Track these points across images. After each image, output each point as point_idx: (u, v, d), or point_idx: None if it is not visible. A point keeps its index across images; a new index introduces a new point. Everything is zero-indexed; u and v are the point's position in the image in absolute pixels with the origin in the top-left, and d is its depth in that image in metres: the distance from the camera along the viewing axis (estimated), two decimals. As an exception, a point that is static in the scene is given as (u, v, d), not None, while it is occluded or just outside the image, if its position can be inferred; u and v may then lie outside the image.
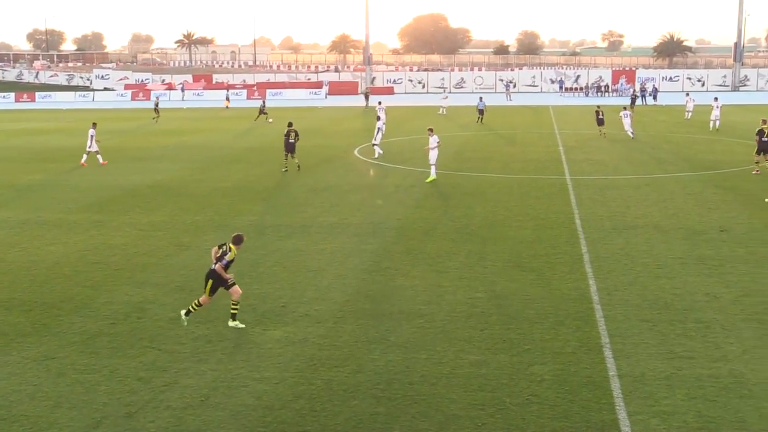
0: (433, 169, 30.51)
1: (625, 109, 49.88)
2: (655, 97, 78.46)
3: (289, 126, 34.82)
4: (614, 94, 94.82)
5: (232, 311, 14.73)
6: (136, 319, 15.20)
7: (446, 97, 70.72)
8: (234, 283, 14.47)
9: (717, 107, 50.56)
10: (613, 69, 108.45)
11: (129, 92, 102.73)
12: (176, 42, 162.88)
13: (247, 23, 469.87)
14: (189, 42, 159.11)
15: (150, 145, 44.17)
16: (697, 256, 19.12)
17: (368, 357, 13.12)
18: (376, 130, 38.23)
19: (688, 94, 63.02)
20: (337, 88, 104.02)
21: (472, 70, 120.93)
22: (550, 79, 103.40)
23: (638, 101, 74.34)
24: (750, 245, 20.08)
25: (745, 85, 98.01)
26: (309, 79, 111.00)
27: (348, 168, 35.29)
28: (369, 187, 29.92)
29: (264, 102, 65.66)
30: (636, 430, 10.55)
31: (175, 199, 27.85)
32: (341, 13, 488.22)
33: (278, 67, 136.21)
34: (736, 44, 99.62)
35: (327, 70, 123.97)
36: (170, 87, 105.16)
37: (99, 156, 37.68)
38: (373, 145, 38.35)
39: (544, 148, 41.68)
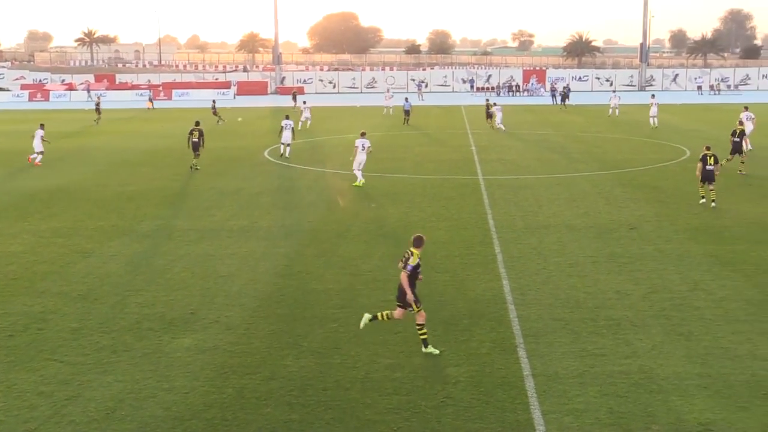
0: (359, 175, 30.03)
1: (495, 105, 53.22)
2: (567, 97, 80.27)
3: (196, 125, 34.72)
4: (525, 93, 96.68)
5: (422, 337, 13.32)
6: (36, 331, 14.73)
7: (391, 96, 70.82)
8: (420, 309, 13.14)
9: (654, 104, 52.43)
10: (524, 69, 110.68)
11: (26, 93, 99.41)
12: (76, 40, 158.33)
13: (151, 21, 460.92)
14: (90, 40, 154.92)
15: (51, 147, 42.84)
16: (607, 254, 19.66)
17: (281, 363, 13.04)
18: (288, 129, 37.89)
19: (615, 92, 65.18)
20: (245, 88, 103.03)
21: (383, 69, 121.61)
22: (462, 79, 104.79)
23: (550, 101, 76.13)
24: (657, 242, 20.75)
25: (651, 85, 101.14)
26: (217, 79, 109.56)
27: (257, 170, 35.00)
28: (280, 190, 29.72)
29: (215, 103, 64.56)
30: (550, 428, 10.78)
31: (77, 204, 27.12)
32: (249, 12, 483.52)
33: (185, 66, 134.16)
34: (641, 45, 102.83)
35: (235, 70, 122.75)
36: (71, 87, 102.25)
37: (37, 156, 37.45)
38: (283, 149, 38.10)
39: (457, 148, 42.19)
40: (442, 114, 67.83)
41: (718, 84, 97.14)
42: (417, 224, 23.20)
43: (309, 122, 54.30)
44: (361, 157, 29.90)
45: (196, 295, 16.75)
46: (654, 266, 18.51)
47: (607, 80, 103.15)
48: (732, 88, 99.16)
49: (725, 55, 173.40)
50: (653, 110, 52.09)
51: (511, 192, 28.35)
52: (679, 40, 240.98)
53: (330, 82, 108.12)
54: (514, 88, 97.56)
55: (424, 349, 13.32)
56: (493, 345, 13.75)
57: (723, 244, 20.58)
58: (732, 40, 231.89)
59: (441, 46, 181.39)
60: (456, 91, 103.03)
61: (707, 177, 25.06)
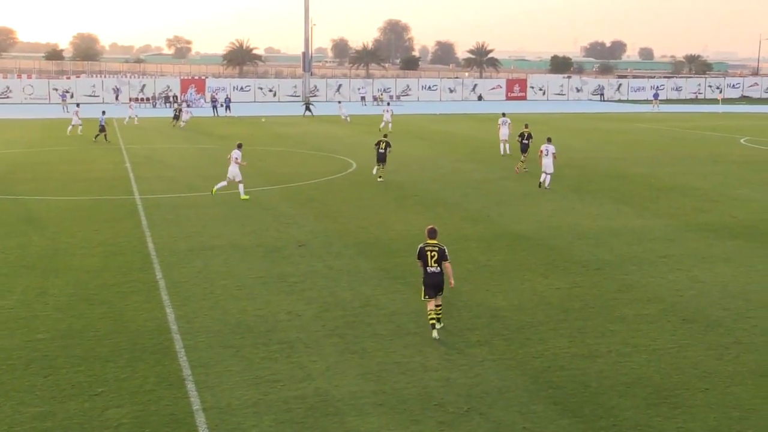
0: (241, 187, 30.79)
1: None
2: (228, 108, 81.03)
3: None
4: (184, 105, 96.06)
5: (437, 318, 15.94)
6: None
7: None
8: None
9: (387, 111, 61.25)
10: (182, 78, 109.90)
11: None
12: None
13: None
14: None
15: None
16: (277, 274, 20.12)
17: None
18: None
19: (388, 104, 69.21)
20: None
21: (20, 77, 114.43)
22: (113, 88, 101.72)
23: (211, 112, 76.38)
24: (327, 259, 21.63)
25: (314, 96, 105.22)
26: None
27: None
28: None
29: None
30: (224, 465, 10.78)
31: None
32: None
33: None
34: (304, 54, 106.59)
35: None
36: None
37: None
38: None
39: (110, 165, 40.90)
40: (88, 127, 65.31)
41: (381, 94, 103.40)
42: (66, 251, 22.17)
43: None
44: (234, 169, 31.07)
45: None
46: (325, 284, 19.26)
47: (270, 90, 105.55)
48: (394, 99, 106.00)
49: (386, 65, 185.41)
50: (387, 116, 60.54)
51: (172, 212, 28.04)
52: (341, 49, 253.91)
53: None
54: (171, 99, 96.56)
55: (437, 325, 15.79)
56: (158, 380, 13.49)
57: (391, 257, 21.93)
58: (392, 51, 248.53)
59: (87, 51, 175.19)
60: (107, 102, 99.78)
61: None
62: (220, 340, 15.44)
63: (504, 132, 46.07)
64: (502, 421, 12.13)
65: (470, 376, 13.82)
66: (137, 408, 12.43)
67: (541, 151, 33.64)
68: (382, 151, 36.05)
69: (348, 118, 69.52)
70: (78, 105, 62.23)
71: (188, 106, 79.07)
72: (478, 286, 19.27)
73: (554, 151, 33.53)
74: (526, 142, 38.31)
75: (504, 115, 48.15)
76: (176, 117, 66.44)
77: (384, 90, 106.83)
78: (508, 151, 45.34)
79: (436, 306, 15.85)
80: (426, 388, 13.28)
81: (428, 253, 15.52)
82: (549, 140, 34.27)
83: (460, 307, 17.57)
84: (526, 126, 39.82)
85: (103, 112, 56.02)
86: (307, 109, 79.15)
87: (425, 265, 15.56)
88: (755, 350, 15.13)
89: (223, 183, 31.03)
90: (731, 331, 16.15)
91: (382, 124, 62.90)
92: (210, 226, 25.68)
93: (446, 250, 15.55)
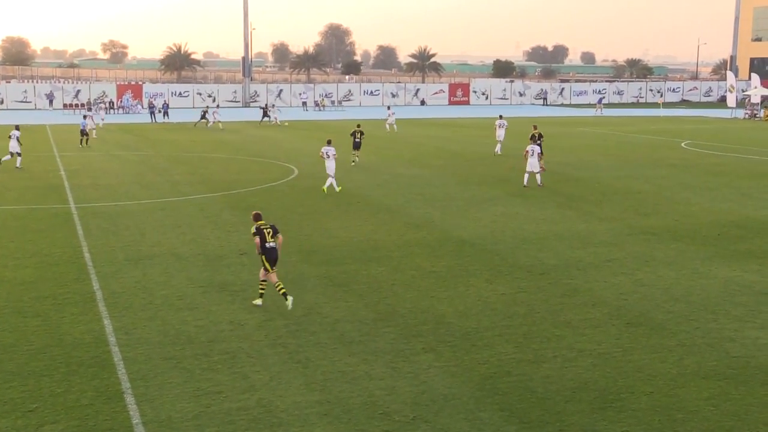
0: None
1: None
2: (166, 114, 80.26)
3: None
4: (120, 111, 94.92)
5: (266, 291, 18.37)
6: None
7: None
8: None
9: (391, 114, 65.24)
10: (118, 83, 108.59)
11: None
12: None
13: None
14: None
15: None
16: (219, 283, 19.98)
17: None
18: None
19: (389, 108, 70.06)
20: None
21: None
22: (45, 94, 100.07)
23: (148, 119, 75.65)
24: (270, 267, 21.51)
25: (255, 101, 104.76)
26: None
27: None
28: None
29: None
30: (165, 480, 10.65)
31: None
32: None
33: None
34: (243, 59, 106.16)
35: None
36: None
37: None
38: None
39: (44, 173, 40.26)
40: (23, 134, 64.12)
41: (323, 100, 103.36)
42: (-2, 263, 21.76)
43: None
44: (331, 164, 33.68)
45: None
46: (267, 292, 19.15)
47: (210, 96, 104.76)
48: (336, 104, 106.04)
49: (328, 70, 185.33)
50: (391, 119, 64.27)
51: (109, 220, 27.69)
52: (282, 54, 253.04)
53: None
54: (108, 105, 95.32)
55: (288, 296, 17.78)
56: (96, 394, 13.29)
57: (335, 264, 21.92)
58: (333, 56, 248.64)
59: (18, 56, 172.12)
60: (40, 109, 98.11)
61: (356, 147, 41.10)
62: (160, 351, 15.28)
63: (500, 133, 49.12)
64: (449, 429, 12.18)
65: (416, 383, 13.86)
66: (74, 423, 12.23)
67: (527, 152, 35.52)
68: (357, 140, 42.76)
69: (395, 126, 65.60)
70: None
71: (125, 112, 78.15)
72: (423, 292, 19.34)
73: (540, 152, 35.77)
74: (539, 142, 38.88)
75: (501, 117, 51.28)
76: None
77: (326, 95, 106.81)
78: (499, 152, 48.38)
79: (276, 282, 17.98)
80: (371, 397, 13.28)
81: (265, 230, 17.93)
82: (533, 138, 37.10)
83: (405, 314, 17.63)
84: (535, 127, 40.77)
85: (84, 117, 57.50)
86: (265, 114, 77.48)
87: (263, 241, 17.84)
88: (698, 352, 15.43)
89: None
90: (674, 334, 16.45)
91: (387, 127, 63.79)
92: (149, 235, 25.40)
93: (276, 226, 18.33)
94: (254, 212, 18.75)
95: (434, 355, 15.24)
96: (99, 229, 26.35)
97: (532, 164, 35.25)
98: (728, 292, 19.47)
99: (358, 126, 44.06)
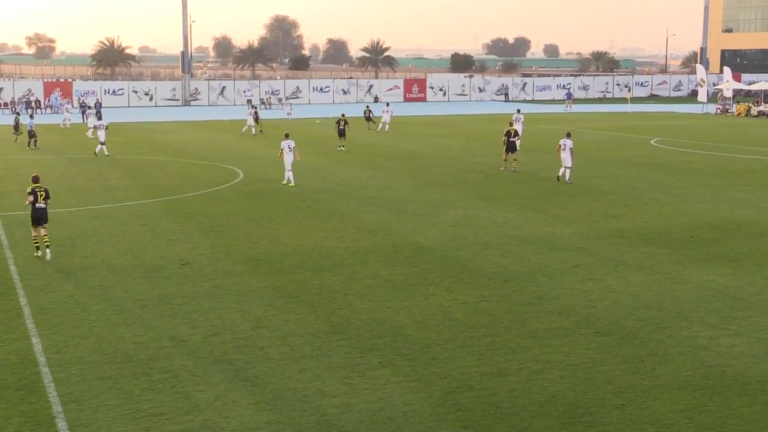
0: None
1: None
2: (99, 114, 79.36)
3: None
4: (48, 110, 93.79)
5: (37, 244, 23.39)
6: None
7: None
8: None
9: (387, 112, 66.01)
10: (45, 80, 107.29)
11: None
12: None
13: None
14: None
15: None
16: (158, 296, 19.82)
17: None
18: None
19: (388, 105, 69.73)
20: None
21: None
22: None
23: (80, 119, 74.85)
24: (214, 278, 21.42)
25: (196, 99, 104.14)
26: None
27: None
28: None
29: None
30: None
31: None
32: None
33: None
34: (183, 54, 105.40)
35: None
36: None
37: None
38: None
39: (-36, 179, 39.64)
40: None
41: (269, 98, 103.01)
42: None
43: None
44: (289, 158, 36.37)
45: None
46: (212, 305, 19.06)
47: (147, 94, 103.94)
48: (283, 101, 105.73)
49: (274, 65, 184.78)
50: (386, 117, 65.53)
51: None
52: (224, 48, 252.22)
53: None
54: (34, 104, 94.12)
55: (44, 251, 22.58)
56: (23, 420, 13.10)
57: (284, 274, 21.86)
58: (280, 50, 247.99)
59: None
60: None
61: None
62: (95, 371, 15.11)
63: (518, 129, 49.40)
64: (408, 449, 12.19)
65: (372, 400, 13.86)
66: (1, 451, 12.06)
67: (560, 146, 37.17)
68: (342, 127, 51.02)
69: (387, 126, 65.72)
70: None
71: (53, 112, 77.15)
72: (379, 302, 19.36)
73: (572, 146, 36.78)
74: (513, 140, 40.82)
75: (519, 111, 55.36)
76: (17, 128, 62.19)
77: (272, 92, 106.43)
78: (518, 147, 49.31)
79: (44, 235, 23.03)
80: (325, 416, 13.26)
81: (38, 192, 22.82)
82: (568, 135, 37.58)
83: (360, 326, 17.63)
84: (511, 124, 42.77)
85: (32, 116, 57.53)
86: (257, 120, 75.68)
87: (35, 201, 22.66)
88: (671, 362, 15.61)
89: None
90: (646, 343, 16.63)
91: (380, 125, 63.74)
92: (81, 245, 25.13)
93: (49, 191, 23.49)
94: (33, 175, 24.03)
95: (392, 369, 15.26)
96: (26, 239, 25.97)
97: (565, 159, 36.91)
98: (702, 298, 19.75)
99: (343, 116, 52.86)
